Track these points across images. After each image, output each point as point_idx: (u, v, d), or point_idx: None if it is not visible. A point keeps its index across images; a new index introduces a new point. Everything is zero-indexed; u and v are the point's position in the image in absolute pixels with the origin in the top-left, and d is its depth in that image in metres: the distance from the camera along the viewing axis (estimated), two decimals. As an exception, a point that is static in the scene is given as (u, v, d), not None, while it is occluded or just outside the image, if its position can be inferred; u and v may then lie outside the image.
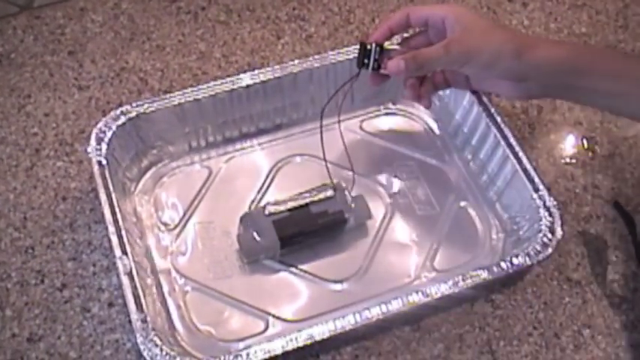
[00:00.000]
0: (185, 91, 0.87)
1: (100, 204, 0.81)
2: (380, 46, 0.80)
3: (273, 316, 0.80)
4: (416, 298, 0.75)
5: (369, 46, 0.79)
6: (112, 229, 0.77)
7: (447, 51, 0.76)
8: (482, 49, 0.75)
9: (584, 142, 0.97)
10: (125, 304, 0.77)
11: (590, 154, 0.96)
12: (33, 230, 0.85)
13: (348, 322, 0.74)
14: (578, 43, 1.05)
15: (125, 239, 0.77)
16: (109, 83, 0.98)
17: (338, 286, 0.83)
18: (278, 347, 0.72)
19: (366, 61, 0.80)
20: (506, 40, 0.75)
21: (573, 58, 0.75)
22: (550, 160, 0.95)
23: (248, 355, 0.72)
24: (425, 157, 0.94)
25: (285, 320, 0.80)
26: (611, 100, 0.77)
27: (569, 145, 0.97)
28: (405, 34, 0.84)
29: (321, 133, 0.85)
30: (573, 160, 0.95)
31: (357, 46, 0.81)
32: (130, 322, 0.77)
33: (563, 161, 0.95)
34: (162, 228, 0.86)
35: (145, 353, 0.71)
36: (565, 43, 0.99)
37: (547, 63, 0.75)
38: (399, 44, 0.82)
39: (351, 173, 0.88)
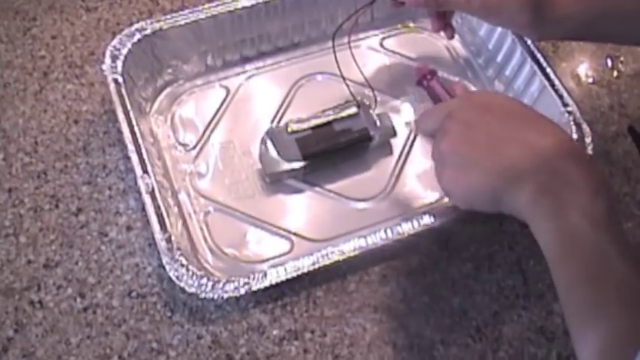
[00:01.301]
0: (202, 7, 0.85)
1: (114, 126, 0.81)
2: None
3: (298, 235, 0.79)
4: (442, 216, 0.75)
5: None
6: (131, 147, 0.76)
7: (468, 1, 0.75)
8: (502, 9, 0.74)
9: (609, 61, 0.96)
10: (144, 228, 0.77)
11: (615, 73, 0.95)
12: (45, 155, 0.83)
13: (379, 237, 0.73)
14: None
15: (145, 158, 0.76)
16: (117, 4, 0.96)
17: (363, 205, 0.82)
18: (308, 264, 0.72)
19: None
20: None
21: (596, 7, 0.73)
22: (575, 79, 0.94)
23: (277, 273, 0.71)
24: (448, 74, 0.92)
25: (310, 240, 0.79)
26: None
27: (593, 64, 0.96)
28: None
29: (335, 52, 0.84)
30: (598, 80, 0.94)
31: None
32: (150, 245, 0.77)
33: (587, 81, 0.94)
34: (180, 149, 0.85)
35: (171, 274, 0.70)
36: None
37: (569, 18, 0.73)
38: None
39: (375, 93, 0.87)
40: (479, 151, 0.63)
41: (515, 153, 0.60)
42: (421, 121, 0.72)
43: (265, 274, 0.71)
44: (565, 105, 0.82)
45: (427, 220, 0.75)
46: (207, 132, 0.86)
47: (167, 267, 0.70)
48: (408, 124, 0.87)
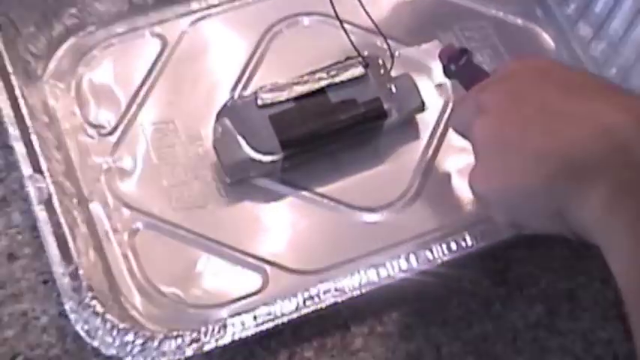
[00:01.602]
0: None
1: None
2: None
3: (275, 265, 0.80)
4: (494, 234, 0.75)
5: None
6: (14, 131, 0.76)
7: None
8: None
9: None
10: (35, 256, 0.78)
11: None
12: None
13: (397, 267, 0.73)
14: None
15: (37, 148, 0.76)
16: None
17: (373, 218, 0.83)
18: (290, 310, 0.71)
19: None
20: None
21: None
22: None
23: (243, 323, 0.71)
24: (505, 13, 0.94)
25: (292, 271, 0.80)
26: None
27: None
28: None
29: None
30: None
31: None
32: (45, 282, 0.77)
33: None
34: (92, 133, 0.85)
35: (78, 327, 0.69)
36: None
37: None
38: None
39: (390, 44, 0.87)
40: (528, 132, 0.62)
41: (580, 134, 0.59)
42: (453, 112, 0.74)
43: (224, 326, 0.71)
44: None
45: (471, 240, 0.75)
46: (134, 106, 0.87)
47: (72, 317, 0.70)
48: (439, 85, 0.87)
